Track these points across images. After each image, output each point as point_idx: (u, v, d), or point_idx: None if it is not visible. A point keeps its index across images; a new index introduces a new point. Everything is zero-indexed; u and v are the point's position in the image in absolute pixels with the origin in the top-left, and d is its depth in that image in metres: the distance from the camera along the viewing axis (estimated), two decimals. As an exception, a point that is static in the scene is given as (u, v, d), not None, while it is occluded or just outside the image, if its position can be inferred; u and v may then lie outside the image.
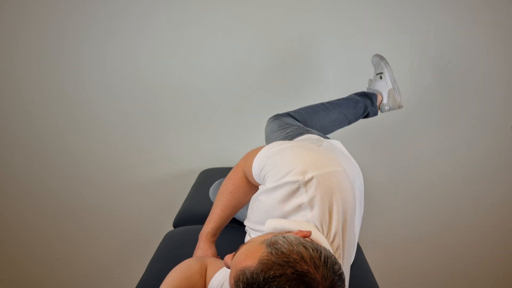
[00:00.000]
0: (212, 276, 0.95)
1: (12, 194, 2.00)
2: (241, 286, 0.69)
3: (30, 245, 2.08)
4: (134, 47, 1.82)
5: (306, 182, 0.86)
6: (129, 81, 1.86)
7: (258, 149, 1.03)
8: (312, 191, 0.86)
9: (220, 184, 1.40)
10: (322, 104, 1.56)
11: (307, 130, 1.32)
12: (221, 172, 1.76)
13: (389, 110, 1.64)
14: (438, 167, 2.01)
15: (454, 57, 1.87)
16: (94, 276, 2.14)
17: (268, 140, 1.39)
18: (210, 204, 1.21)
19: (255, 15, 1.80)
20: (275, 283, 0.65)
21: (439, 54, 1.86)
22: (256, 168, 0.98)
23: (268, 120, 1.49)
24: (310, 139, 1.23)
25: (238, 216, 1.36)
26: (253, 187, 1.06)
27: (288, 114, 1.49)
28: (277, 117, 1.47)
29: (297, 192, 0.87)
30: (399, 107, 1.64)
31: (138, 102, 1.89)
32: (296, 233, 0.79)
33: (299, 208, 0.87)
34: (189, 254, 1.12)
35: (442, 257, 2.14)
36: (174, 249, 1.25)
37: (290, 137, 1.27)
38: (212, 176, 1.73)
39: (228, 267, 0.78)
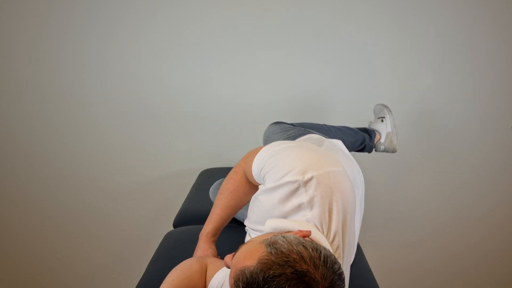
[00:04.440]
0: (212, 276, 0.95)
1: (12, 194, 2.00)
2: (240, 286, 0.69)
3: (30, 245, 2.08)
4: (134, 47, 1.82)
5: (306, 182, 0.86)
6: (129, 81, 1.86)
7: (258, 149, 1.03)
8: (312, 191, 0.86)
9: (220, 184, 1.40)
10: (325, 124, 1.59)
11: (309, 131, 1.32)
12: (221, 172, 1.76)
13: (383, 150, 1.68)
14: (438, 167, 2.01)
15: (453, 57, 1.87)
16: (94, 276, 2.14)
17: (268, 142, 1.39)
18: (210, 204, 1.21)
19: (253, 15, 1.80)
20: (275, 282, 0.66)
21: (439, 54, 1.86)
22: (256, 168, 0.98)
23: (269, 125, 1.50)
24: (311, 139, 1.23)
25: (238, 216, 1.36)
26: (253, 187, 1.06)
27: (290, 124, 1.50)
28: (278, 122, 1.48)
29: (296, 192, 0.87)
30: (394, 150, 1.67)
31: (138, 102, 1.89)
32: (296, 233, 0.79)
33: (298, 208, 0.87)
34: (189, 254, 1.12)
35: (442, 257, 2.14)
36: (174, 249, 1.25)
37: (292, 137, 1.28)
38: (212, 176, 1.73)
39: (228, 267, 0.78)
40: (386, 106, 1.72)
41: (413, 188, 2.04)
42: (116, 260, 2.11)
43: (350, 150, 1.61)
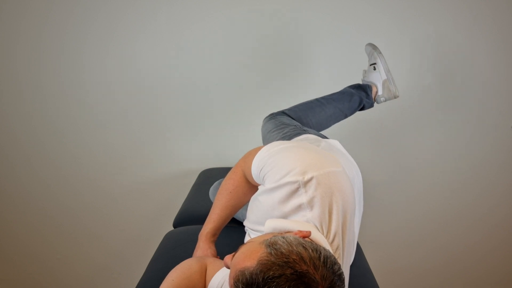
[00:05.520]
0: (212, 276, 0.95)
1: (12, 194, 2.00)
2: (240, 286, 0.69)
3: (30, 245, 2.08)
4: (134, 47, 1.82)
5: (306, 183, 0.86)
6: (129, 81, 1.86)
7: (257, 149, 1.02)
8: (312, 191, 0.86)
9: (220, 184, 1.40)
10: (317, 100, 1.55)
11: (305, 130, 1.31)
12: (221, 172, 1.76)
13: (385, 101, 1.63)
14: (438, 167, 2.01)
15: (454, 57, 1.87)
16: (94, 276, 2.14)
17: (265, 140, 1.38)
18: (210, 204, 1.21)
19: (253, 15, 1.80)
20: (274, 283, 0.65)
21: (439, 54, 1.86)
22: (256, 169, 0.98)
23: (264, 120, 1.48)
24: (308, 139, 1.23)
25: (238, 216, 1.36)
26: (253, 187, 1.06)
27: (283, 113, 1.47)
28: (272, 116, 1.46)
29: (296, 193, 0.87)
30: (395, 97, 1.61)
31: (138, 102, 1.89)
32: (296, 233, 0.79)
33: (298, 208, 0.87)
34: (189, 254, 1.12)
35: (442, 257, 2.14)
36: (174, 249, 1.25)
37: (288, 137, 1.27)
38: (212, 176, 1.74)
39: (228, 268, 0.78)
40: (375, 48, 1.63)
41: (413, 188, 2.04)
42: (116, 260, 2.11)
43: (350, 114, 1.59)
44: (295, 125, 1.36)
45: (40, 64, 1.83)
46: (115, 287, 2.16)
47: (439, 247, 2.13)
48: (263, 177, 0.95)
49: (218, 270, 0.96)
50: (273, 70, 1.87)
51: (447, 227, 2.09)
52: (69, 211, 2.03)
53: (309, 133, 1.29)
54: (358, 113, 1.91)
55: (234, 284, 0.70)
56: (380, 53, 1.61)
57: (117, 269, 2.13)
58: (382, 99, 1.62)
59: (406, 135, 1.95)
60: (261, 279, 0.66)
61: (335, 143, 1.23)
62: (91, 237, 2.07)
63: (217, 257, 1.08)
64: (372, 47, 1.64)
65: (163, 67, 1.85)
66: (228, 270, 0.83)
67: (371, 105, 1.62)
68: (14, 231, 2.06)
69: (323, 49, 1.85)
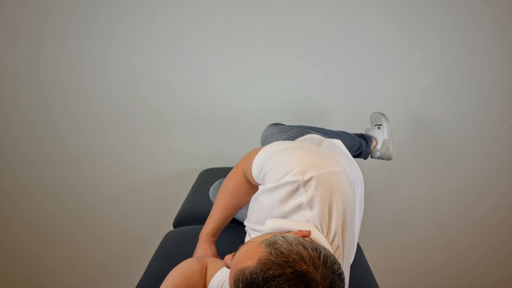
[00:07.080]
0: (212, 276, 0.95)
1: (12, 194, 2.00)
2: (240, 286, 0.69)
3: (30, 245, 2.08)
4: (134, 47, 1.82)
5: (306, 182, 0.86)
6: (130, 81, 1.86)
7: (258, 149, 1.03)
8: (312, 191, 0.86)
9: (220, 184, 1.40)
10: (323, 128, 1.58)
11: (308, 131, 1.32)
12: (221, 172, 1.76)
13: (379, 157, 1.68)
14: (438, 167, 2.01)
15: (453, 57, 1.87)
16: (94, 276, 2.14)
17: (266, 143, 1.39)
18: (210, 204, 1.21)
19: (254, 15, 1.80)
20: (274, 283, 0.66)
21: (438, 54, 1.86)
22: (256, 168, 0.98)
23: (267, 126, 1.50)
24: (311, 139, 1.23)
25: (238, 216, 1.36)
26: (253, 187, 1.06)
27: (288, 126, 1.50)
28: (277, 124, 1.49)
29: (296, 192, 0.87)
30: (389, 158, 1.68)
31: (138, 102, 1.89)
32: (296, 233, 0.79)
33: (298, 208, 0.87)
34: (189, 254, 1.12)
35: (442, 257, 2.15)
36: (174, 249, 1.25)
37: (292, 138, 1.28)
38: (212, 176, 1.74)
39: (228, 267, 0.78)
40: (383, 114, 1.73)
41: (413, 188, 2.04)
42: (116, 260, 2.11)
43: None
44: (299, 128, 1.37)
45: (40, 64, 1.83)
46: (115, 287, 2.16)
47: (439, 247, 2.13)
48: (263, 177, 0.95)
49: (218, 270, 0.96)
50: (273, 70, 1.87)
51: (447, 227, 2.10)
52: (69, 211, 2.03)
53: (312, 133, 1.29)
54: (358, 112, 1.92)
55: (234, 283, 0.71)
56: (387, 119, 1.71)
57: (117, 269, 2.13)
58: (378, 153, 1.68)
59: (406, 135, 1.95)
60: (261, 279, 0.67)
61: (337, 143, 1.24)
62: (91, 237, 2.07)
63: (217, 257, 1.08)
64: (380, 113, 1.74)
65: (163, 67, 1.85)
66: (228, 270, 0.83)
67: (366, 156, 1.66)
68: (14, 231, 2.06)
69: (323, 49, 1.85)
